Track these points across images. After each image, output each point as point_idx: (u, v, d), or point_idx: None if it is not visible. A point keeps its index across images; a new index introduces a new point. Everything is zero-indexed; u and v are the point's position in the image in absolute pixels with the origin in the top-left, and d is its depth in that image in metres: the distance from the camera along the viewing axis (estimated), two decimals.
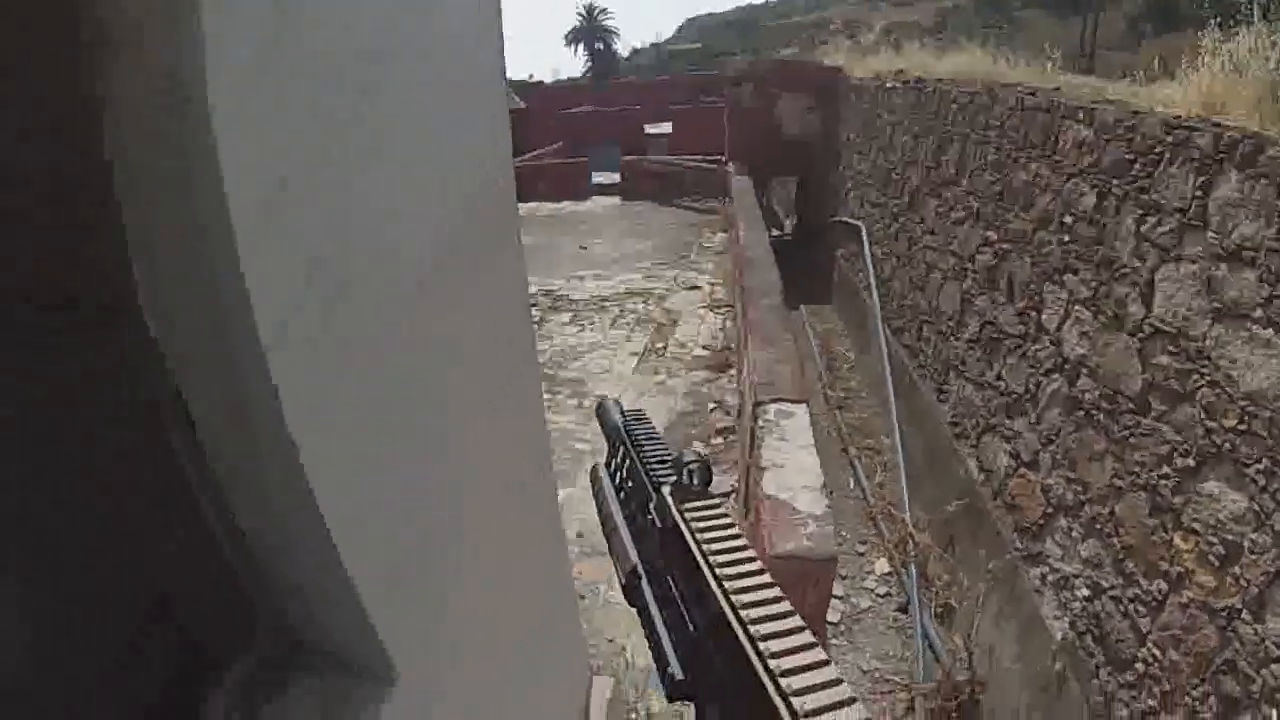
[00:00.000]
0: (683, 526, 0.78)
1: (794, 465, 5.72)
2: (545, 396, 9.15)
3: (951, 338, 10.35)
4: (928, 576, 8.82)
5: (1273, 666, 4.44)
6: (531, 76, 77.27)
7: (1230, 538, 4.95)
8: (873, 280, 14.19)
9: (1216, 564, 5.02)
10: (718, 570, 0.71)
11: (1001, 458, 8.29)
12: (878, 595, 8.65)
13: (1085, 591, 6.42)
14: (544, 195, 21.95)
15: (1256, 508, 4.76)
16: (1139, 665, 5.61)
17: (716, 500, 0.82)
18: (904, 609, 8.41)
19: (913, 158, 13.16)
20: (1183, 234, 5.80)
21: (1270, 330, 4.83)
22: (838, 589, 8.56)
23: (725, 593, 0.69)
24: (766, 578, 0.70)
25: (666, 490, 0.85)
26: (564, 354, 10.55)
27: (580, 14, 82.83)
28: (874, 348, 13.24)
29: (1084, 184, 7.33)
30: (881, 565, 8.99)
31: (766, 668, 0.59)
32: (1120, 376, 6.41)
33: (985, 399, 8.98)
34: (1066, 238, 7.53)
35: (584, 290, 13.64)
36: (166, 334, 0.99)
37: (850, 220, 16.68)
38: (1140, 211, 6.35)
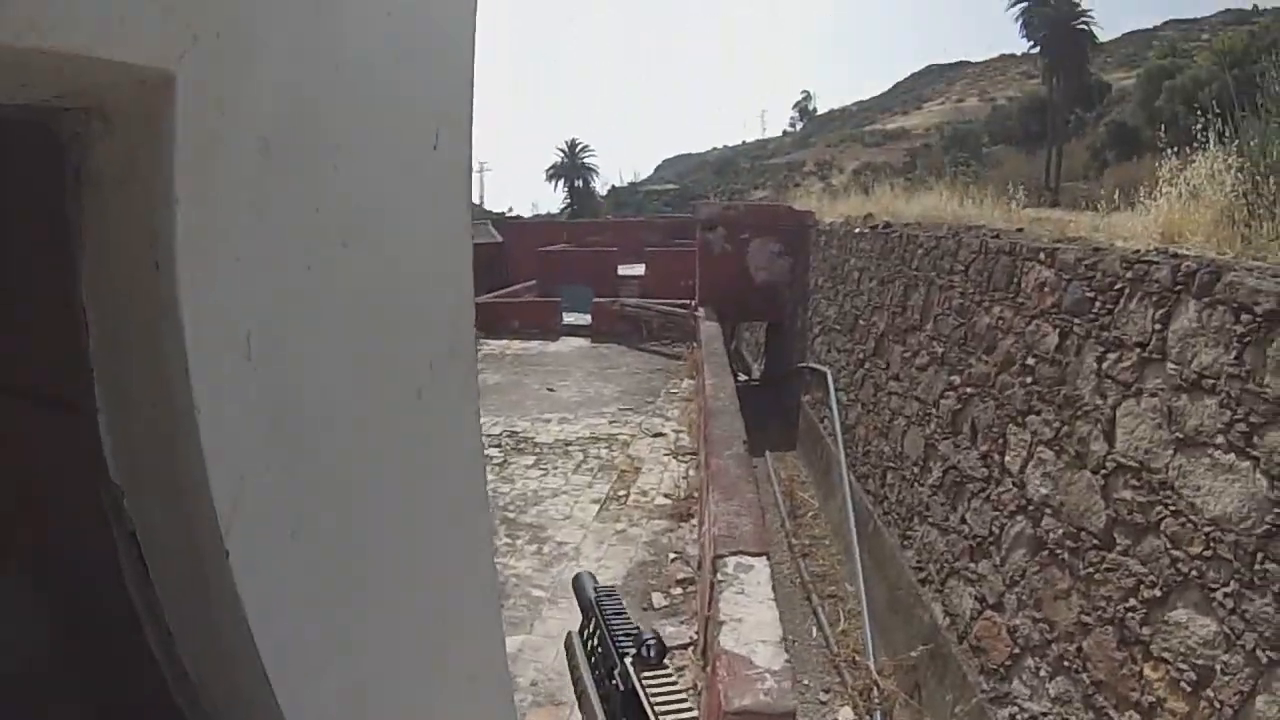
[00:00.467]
0: (640, 692, 0.95)
1: (753, 619, 5.67)
2: (505, 541, 9.08)
3: (915, 483, 10.35)
4: None
5: None
6: (510, 210, 78.57)
7: (1201, 662, 4.92)
8: (838, 427, 14.22)
9: (1189, 689, 4.98)
10: None
11: (966, 601, 8.19)
12: None
13: None
14: (516, 333, 22.00)
15: (1227, 630, 4.74)
16: None
17: (669, 671, 0.99)
18: None
19: (879, 303, 13.35)
20: (1143, 368, 5.87)
21: (1232, 455, 4.88)
22: None
23: None
24: None
25: (629, 660, 1.00)
26: (525, 498, 10.37)
27: (562, 150, 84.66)
28: (838, 495, 13.17)
29: (1046, 324, 7.43)
30: (846, 713, 8.82)
31: None
32: (1084, 514, 6.39)
33: (949, 543, 8.92)
34: (1029, 379, 7.61)
35: (549, 433, 13.55)
36: (127, 478, 1.02)
37: (816, 366, 16.80)
38: (1102, 349, 6.44)
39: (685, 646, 7.01)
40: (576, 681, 1.07)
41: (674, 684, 0.94)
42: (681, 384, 16.76)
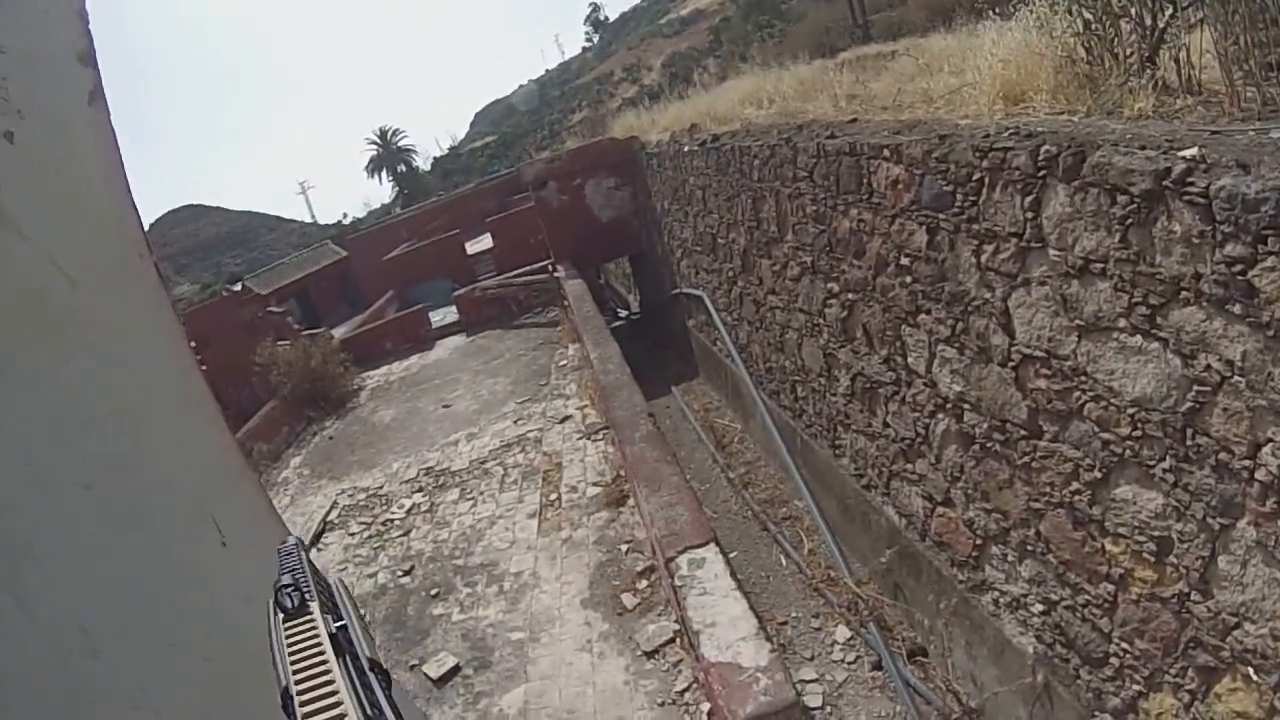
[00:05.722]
0: (276, 642, 1.05)
1: (725, 617, 5.69)
2: (466, 593, 8.89)
3: (827, 394, 10.31)
4: (888, 627, 8.76)
5: (1235, 633, 4.43)
6: (345, 216, 76.99)
7: (1157, 533, 4.92)
8: (732, 349, 14.16)
9: (1152, 559, 5.01)
10: (294, 683, 0.96)
11: (916, 500, 8.24)
12: (848, 663, 8.54)
13: (1040, 607, 6.39)
14: (391, 354, 21.35)
15: (1174, 502, 4.72)
16: (1114, 660, 5.59)
17: (308, 619, 1.08)
18: (878, 665, 8.34)
19: (732, 219, 13.10)
20: (1025, 257, 5.68)
21: (1139, 337, 4.73)
22: (809, 671, 8.49)
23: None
24: (322, 667, 0.98)
25: (280, 618, 1.09)
26: (466, 538, 10.13)
27: (375, 141, 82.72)
28: (756, 415, 13.19)
29: (911, 223, 7.20)
30: (841, 632, 8.90)
31: None
32: (1004, 406, 6.33)
33: (880, 448, 8.92)
34: (909, 279, 7.42)
35: (461, 456, 13.24)
36: None
37: (691, 291, 16.71)
38: (975, 242, 6.24)
39: (671, 641, 6.96)
40: (269, 640, 1.10)
41: (312, 632, 1.03)
42: (568, 351, 16.49)
